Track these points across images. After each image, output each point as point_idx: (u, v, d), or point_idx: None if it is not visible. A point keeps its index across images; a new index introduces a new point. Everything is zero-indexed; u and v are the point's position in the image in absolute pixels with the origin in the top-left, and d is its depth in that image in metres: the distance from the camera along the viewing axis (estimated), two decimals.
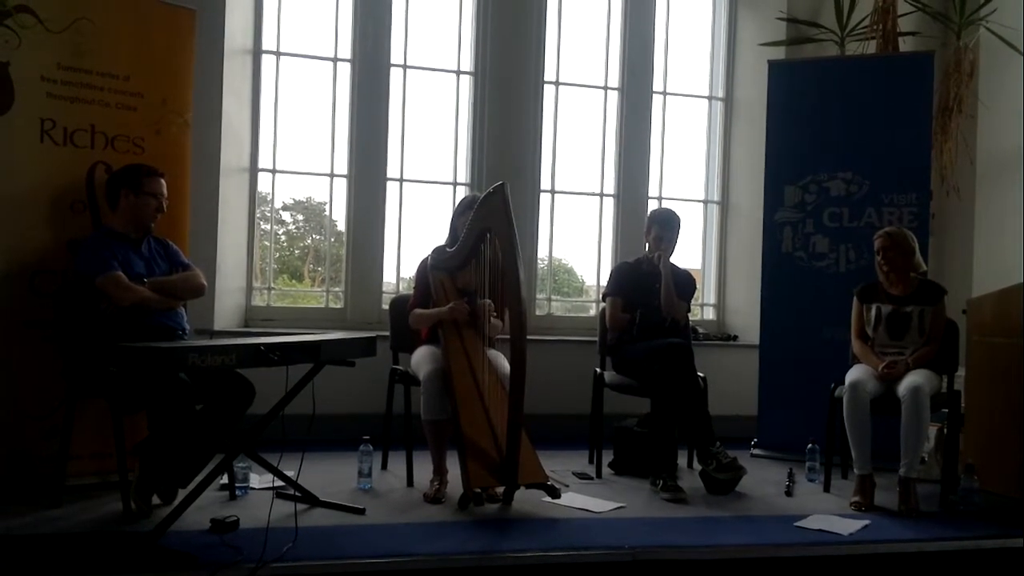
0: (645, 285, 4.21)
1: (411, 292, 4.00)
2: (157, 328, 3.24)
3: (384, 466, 3.99)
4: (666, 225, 4.23)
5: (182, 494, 3.02)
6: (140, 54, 3.60)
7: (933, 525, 3.38)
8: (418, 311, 3.77)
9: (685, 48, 5.68)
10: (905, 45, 5.19)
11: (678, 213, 4.32)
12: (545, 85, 5.28)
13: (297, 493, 3.30)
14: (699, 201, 5.75)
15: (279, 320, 4.88)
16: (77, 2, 3.44)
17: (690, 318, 4.48)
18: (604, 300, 4.34)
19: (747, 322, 5.36)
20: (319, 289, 5.26)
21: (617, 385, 4.13)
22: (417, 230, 5.17)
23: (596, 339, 4.44)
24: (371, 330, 4.37)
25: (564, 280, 5.83)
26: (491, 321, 3.69)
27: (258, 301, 4.96)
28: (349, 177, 5.03)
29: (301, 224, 5.67)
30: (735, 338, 5.48)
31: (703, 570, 2.95)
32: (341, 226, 5.14)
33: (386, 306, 4.63)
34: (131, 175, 3.34)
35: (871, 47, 5.16)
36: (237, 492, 3.40)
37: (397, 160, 5.11)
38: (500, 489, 3.40)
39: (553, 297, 5.47)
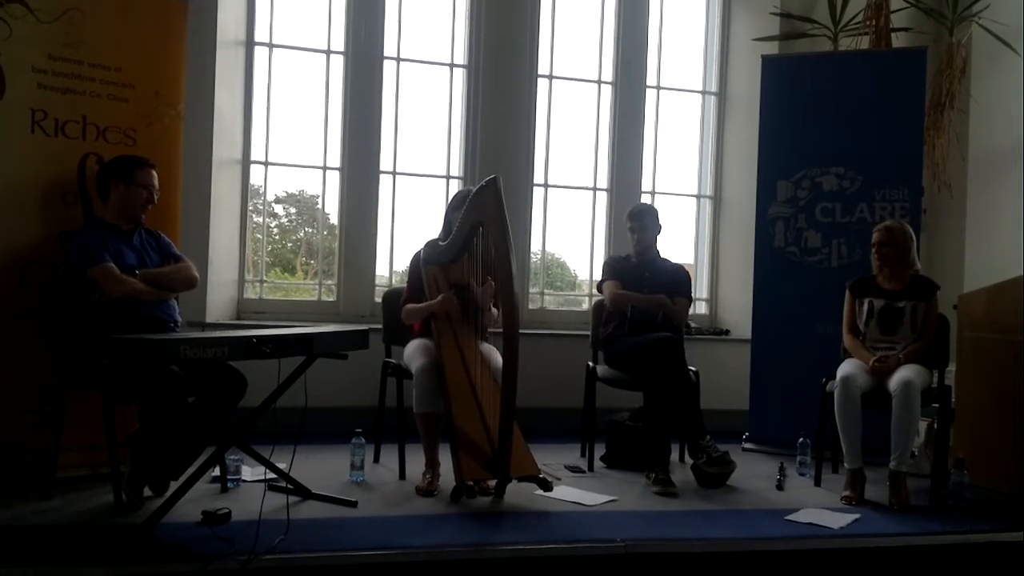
0: (635, 278, 4.24)
1: (404, 286, 4.00)
2: (149, 320, 3.23)
3: (376, 459, 4.00)
4: (635, 216, 4.32)
5: (174, 486, 3.01)
6: (132, 45, 3.58)
7: (923, 519, 3.39)
8: (409, 306, 3.76)
9: (678, 42, 5.68)
10: (898, 41, 5.20)
11: (654, 206, 4.42)
12: (538, 79, 5.28)
13: (289, 485, 3.30)
14: (692, 196, 5.75)
15: (271, 313, 4.87)
16: None
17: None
18: (599, 290, 4.35)
19: (739, 317, 5.37)
20: (312, 282, 5.25)
21: (609, 379, 4.14)
22: (410, 223, 5.17)
23: (588, 333, 4.45)
24: (364, 323, 4.39)
25: (557, 274, 5.83)
26: (491, 308, 3.68)
27: (250, 294, 4.95)
28: (342, 170, 5.02)
29: (294, 217, 5.66)
30: (727, 332, 5.50)
31: (695, 563, 2.96)
32: (334, 219, 5.13)
33: (379, 299, 4.64)
34: (121, 166, 3.33)
35: (864, 43, 5.17)
36: (229, 484, 3.39)
37: (390, 153, 5.10)
38: (492, 482, 3.40)
39: (546, 291, 5.47)
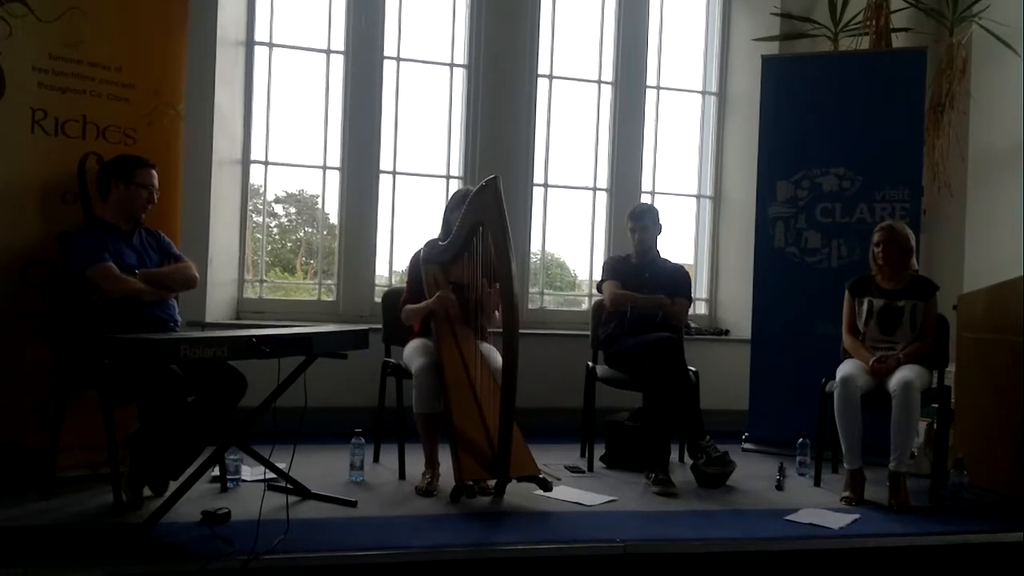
0: (635, 278, 4.24)
1: (403, 286, 3.99)
2: (148, 320, 3.23)
3: (376, 459, 4.00)
4: (636, 217, 4.31)
5: (173, 486, 3.00)
6: (132, 44, 3.58)
7: (922, 520, 3.39)
8: (409, 307, 3.76)
9: (679, 42, 5.68)
10: (898, 41, 5.19)
11: (654, 206, 4.43)
12: (538, 79, 5.28)
13: (289, 485, 3.30)
14: (692, 196, 5.75)
15: (271, 313, 4.87)
16: None
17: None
18: (599, 290, 4.35)
19: (739, 317, 5.37)
20: (311, 282, 5.25)
21: (609, 379, 4.14)
22: (410, 223, 5.17)
23: (588, 333, 4.45)
24: (363, 323, 4.39)
25: (556, 274, 5.83)
26: (493, 312, 3.67)
27: (250, 293, 4.95)
28: (342, 170, 5.02)
29: (293, 217, 5.66)
30: (727, 333, 5.50)
31: (694, 563, 2.96)
32: (334, 219, 5.13)
33: (378, 299, 4.63)
34: (121, 166, 3.33)
35: (864, 43, 5.16)
36: (228, 484, 3.39)
37: (390, 153, 5.10)
38: (492, 482, 3.40)
39: (545, 291, 5.47)
